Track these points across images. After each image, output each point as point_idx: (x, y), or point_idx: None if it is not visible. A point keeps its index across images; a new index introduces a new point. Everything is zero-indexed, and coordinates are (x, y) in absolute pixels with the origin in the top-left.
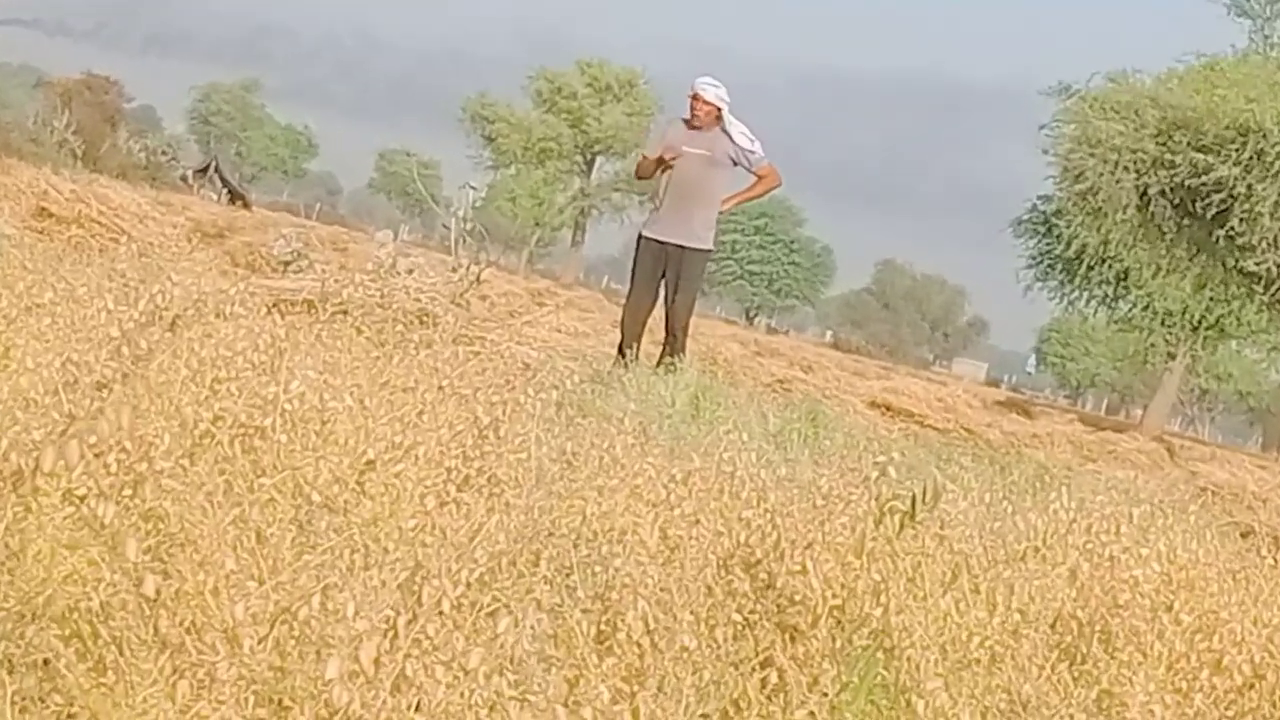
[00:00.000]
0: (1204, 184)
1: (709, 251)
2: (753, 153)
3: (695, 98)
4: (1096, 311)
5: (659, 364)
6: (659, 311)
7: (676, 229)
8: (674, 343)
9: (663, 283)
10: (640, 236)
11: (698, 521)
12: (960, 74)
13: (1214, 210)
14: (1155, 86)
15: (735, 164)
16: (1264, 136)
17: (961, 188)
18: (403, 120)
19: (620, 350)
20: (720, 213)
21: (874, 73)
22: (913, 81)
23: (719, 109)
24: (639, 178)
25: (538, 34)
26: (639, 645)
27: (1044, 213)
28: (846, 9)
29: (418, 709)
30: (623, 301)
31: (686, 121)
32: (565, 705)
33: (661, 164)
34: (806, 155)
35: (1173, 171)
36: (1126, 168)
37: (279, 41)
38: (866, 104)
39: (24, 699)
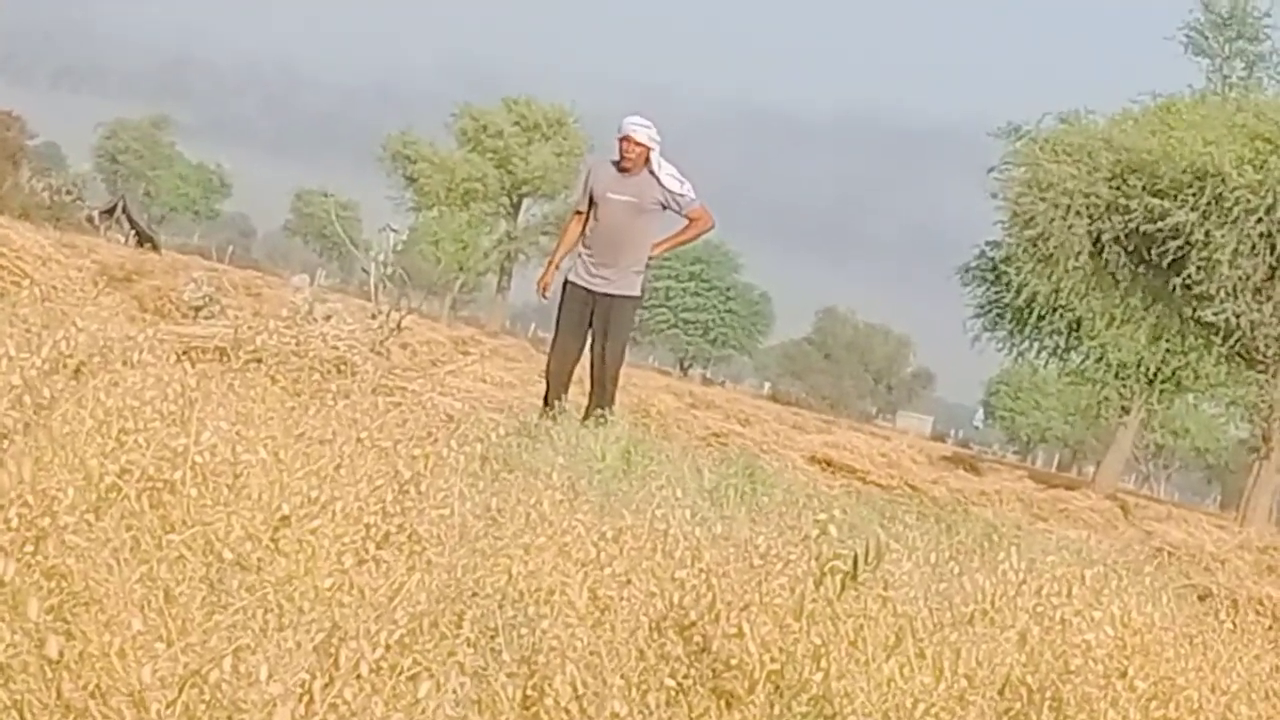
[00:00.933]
0: (1160, 230)
1: (638, 298)
2: (682, 195)
3: (626, 139)
4: (1047, 363)
5: (586, 416)
6: (587, 361)
7: (604, 276)
8: (602, 394)
9: (589, 331)
10: (566, 282)
11: (629, 581)
12: (909, 114)
13: (1170, 257)
14: (1109, 128)
15: (665, 208)
16: (1222, 180)
17: (908, 232)
18: (320, 159)
19: (546, 401)
20: (650, 258)
21: (820, 112)
22: (860, 121)
23: (649, 150)
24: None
25: (469, 70)
26: (567, 711)
27: (993, 259)
28: (791, 46)
29: None
30: (549, 350)
31: (616, 164)
32: None
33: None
34: (746, 196)
35: (1127, 217)
36: (1079, 212)
37: (196, 75)
38: (809, 144)
39: None
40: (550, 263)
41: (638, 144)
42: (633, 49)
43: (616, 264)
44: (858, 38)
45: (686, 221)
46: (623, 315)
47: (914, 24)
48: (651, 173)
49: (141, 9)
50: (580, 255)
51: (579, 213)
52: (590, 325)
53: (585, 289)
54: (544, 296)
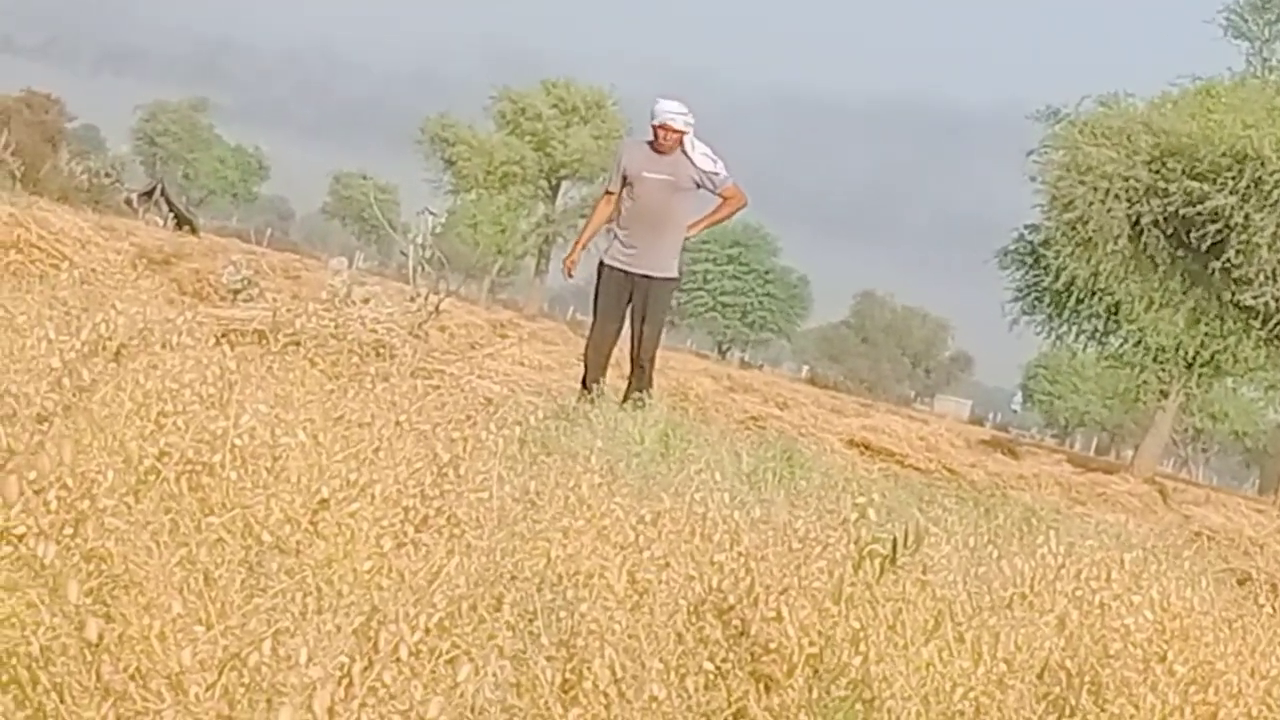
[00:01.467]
0: (1199, 213)
1: (676, 280)
2: (716, 174)
3: (663, 127)
4: (1086, 347)
5: (625, 399)
6: (625, 344)
7: (641, 258)
8: (641, 376)
9: (627, 314)
10: (602, 265)
11: (667, 565)
12: (948, 99)
13: (1209, 241)
14: (1148, 111)
15: (699, 187)
16: (1262, 164)
17: (945, 216)
18: (359, 142)
19: (585, 384)
20: (686, 238)
21: (857, 97)
22: (898, 106)
23: (685, 134)
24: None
25: (507, 54)
26: (606, 695)
27: (1031, 243)
28: (830, 32)
29: None
30: (587, 334)
31: (651, 144)
32: None
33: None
34: (784, 181)
35: (1166, 200)
36: (1118, 196)
37: (236, 59)
38: (848, 129)
39: None
40: (577, 242)
41: (675, 130)
42: (671, 33)
43: (655, 244)
44: (896, 23)
45: (719, 201)
46: (661, 297)
47: (952, 8)
48: (685, 153)
49: None
50: (616, 237)
51: (609, 193)
52: (628, 307)
53: (623, 271)
54: (569, 275)
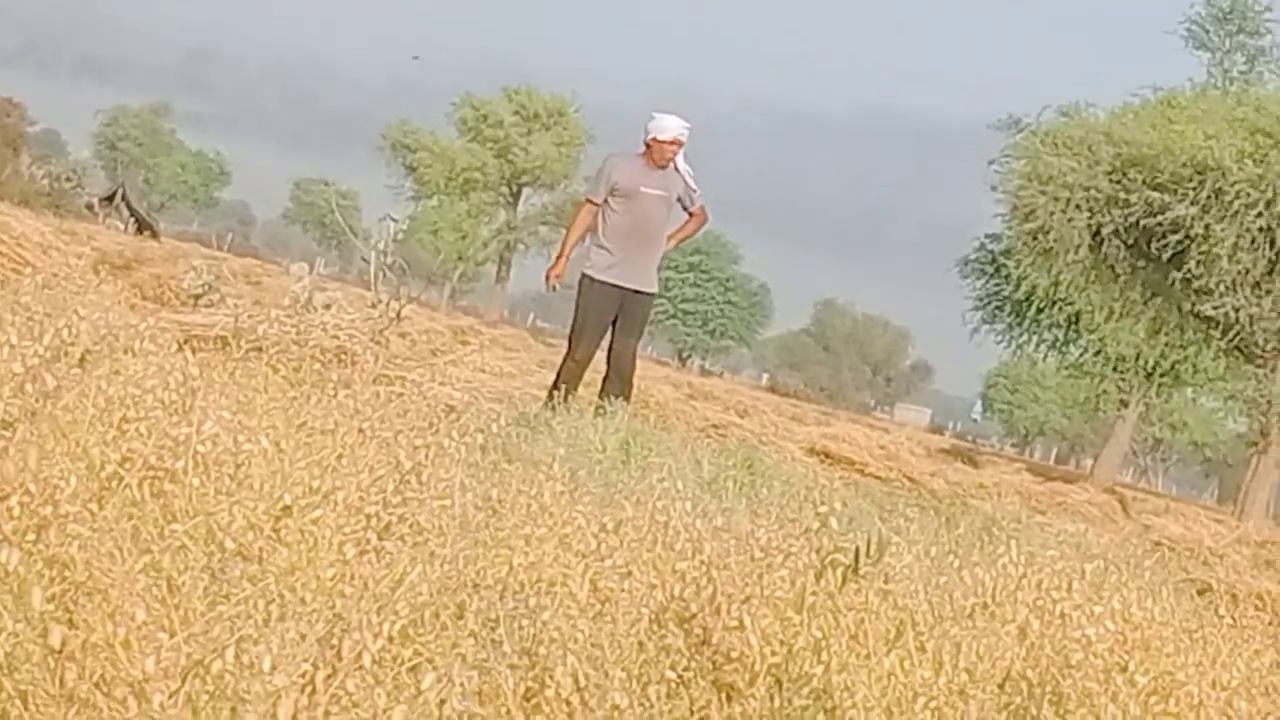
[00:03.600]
0: (1160, 224)
1: (656, 293)
2: (695, 191)
3: (675, 142)
4: (1046, 356)
5: (599, 401)
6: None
7: (635, 273)
8: (624, 387)
9: (608, 327)
10: (592, 280)
11: (630, 573)
12: (912, 109)
13: (1170, 251)
14: (1109, 121)
15: (678, 201)
16: (1223, 175)
17: (907, 225)
18: (320, 148)
19: (551, 393)
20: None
21: (817, 107)
22: (861, 116)
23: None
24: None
25: (490, 67)
26: (568, 703)
27: (992, 252)
28: (801, 47)
29: None
30: (550, 340)
31: (643, 158)
32: None
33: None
34: (744, 189)
35: (1127, 210)
36: (1079, 206)
37: (212, 68)
38: (808, 138)
39: None
40: (561, 255)
41: (681, 145)
42: (654, 47)
43: (649, 259)
44: (866, 38)
45: (687, 217)
46: (647, 311)
47: (920, 24)
48: (676, 168)
49: (157, 2)
50: (607, 250)
51: (592, 203)
52: (611, 322)
53: (615, 286)
54: (554, 288)
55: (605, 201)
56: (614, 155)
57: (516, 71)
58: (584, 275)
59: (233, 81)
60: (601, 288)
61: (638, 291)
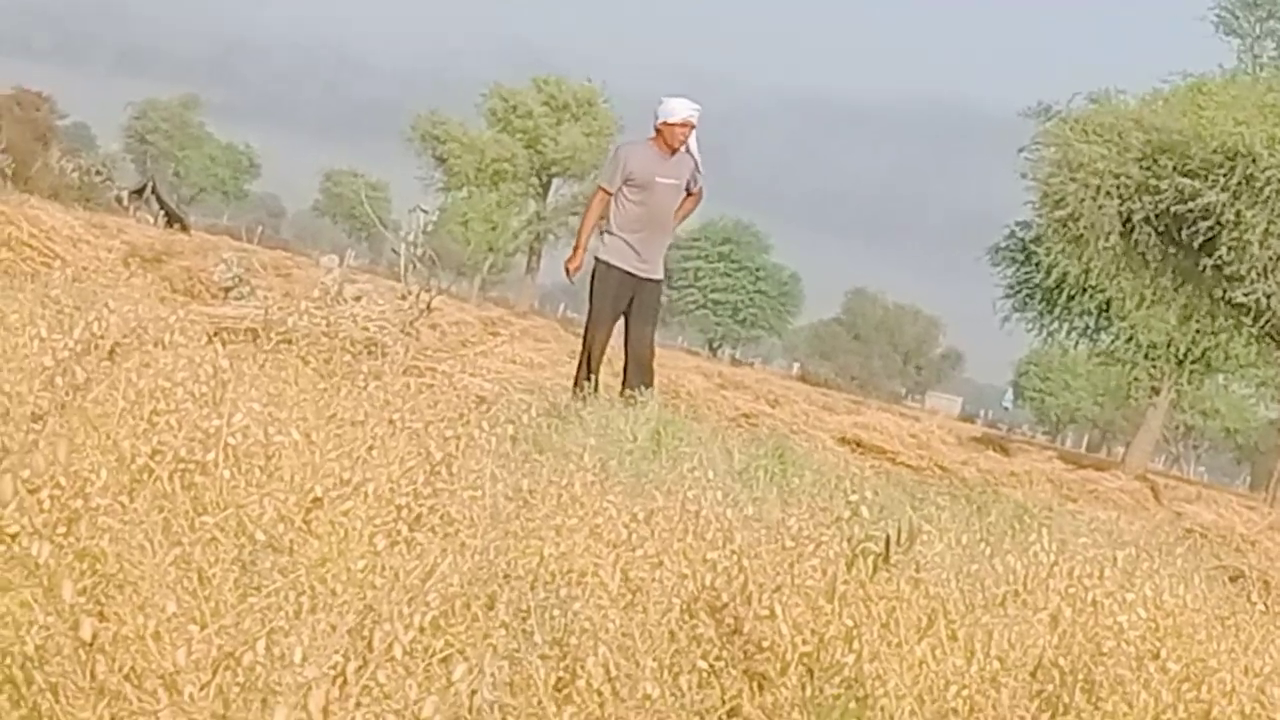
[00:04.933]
0: (1190, 210)
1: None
2: (700, 173)
3: (686, 124)
4: (1077, 344)
5: (626, 395)
6: (616, 341)
7: (650, 261)
8: (645, 374)
9: (624, 315)
10: (608, 266)
11: (661, 563)
12: (943, 97)
13: (1201, 238)
14: (1139, 108)
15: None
16: (1253, 161)
17: (937, 213)
18: (349, 139)
19: (578, 382)
20: None
21: (848, 94)
22: (892, 104)
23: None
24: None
25: (522, 56)
26: (600, 693)
27: (1022, 240)
28: (839, 36)
29: None
30: (580, 331)
31: (655, 144)
32: None
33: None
34: (775, 178)
35: (1158, 197)
36: (1109, 193)
37: (233, 56)
38: (838, 126)
39: None
40: (578, 245)
41: (693, 126)
42: (686, 36)
43: (662, 247)
44: (898, 26)
45: (685, 197)
46: (659, 297)
47: (952, 11)
48: (687, 150)
49: None
50: (625, 241)
51: (606, 192)
52: (627, 309)
53: (631, 274)
54: (572, 279)
55: (619, 191)
56: (625, 144)
57: (547, 61)
58: (600, 261)
59: (263, 73)
60: (619, 275)
61: (651, 279)
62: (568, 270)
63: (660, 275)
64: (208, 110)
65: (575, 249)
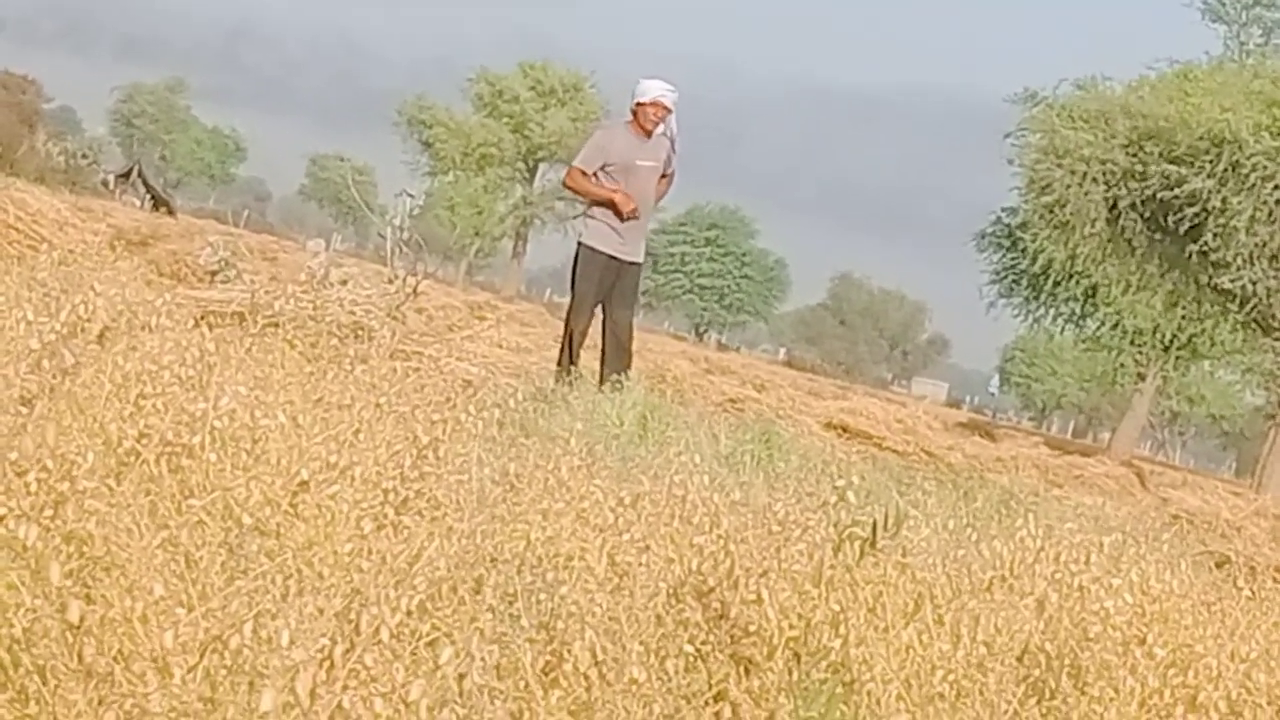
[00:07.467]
0: (1176, 197)
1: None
2: (675, 154)
3: (656, 105)
4: (1063, 330)
5: (603, 380)
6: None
7: (632, 245)
8: (624, 358)
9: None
10: (592, 250)
11: (647, 548)
12: (931, 85)
13: (1187, 224)
14: (1126, 95)
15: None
16: (1239, 147)
17: (924, 199)
18: (335, 123)
19: (563, 366)
20: None
21: (839, 82)
22: (883, 92)
23: (671, 111)
24: (573, 190)
25: (527, 46)
26: (586, 677)
27: (1008, 226)
28: (844, 24)
29: None
30: (566, 315)
31: (632, 127)
32: None
33: (603, 197)
34: (767, 165)
35: (1144, 184)
36: (1095, 179)
37: (225, 40)
38: (828, 114)
39: None
40: (609, 193)
41: (667, 109)
42: (688, 23)
43: (643, 230)
44: (890, 14)
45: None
46: (638, 280)
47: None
48: (665, 133)
49: None
50: (610, 226)
51: (582, 174)
52: (607, 292)
53: (615, 259)
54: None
55: (599, 174)
56: (603, 129)
57: (550, 47)
58: (583, 245)
59: (254, 57)
60: (603, 259)
61: (631, 263)
62: (626, 212)
63: (641, 258)
64: (194, 94)
65: (612, 196)
